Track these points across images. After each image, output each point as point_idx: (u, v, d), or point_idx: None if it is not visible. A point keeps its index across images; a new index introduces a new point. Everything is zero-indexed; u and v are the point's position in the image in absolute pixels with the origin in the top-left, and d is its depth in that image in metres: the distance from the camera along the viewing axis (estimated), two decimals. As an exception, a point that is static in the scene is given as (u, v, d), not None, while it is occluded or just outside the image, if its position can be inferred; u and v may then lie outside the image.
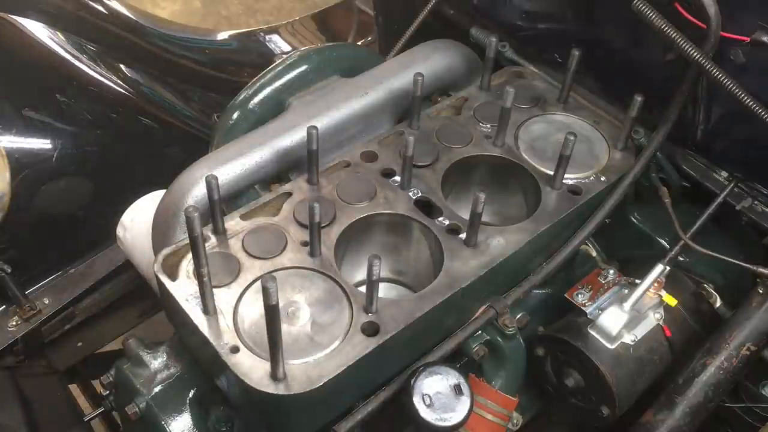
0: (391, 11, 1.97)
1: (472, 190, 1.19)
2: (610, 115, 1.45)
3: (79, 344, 1.95)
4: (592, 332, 1.25)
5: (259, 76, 1.46)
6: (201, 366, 1.23)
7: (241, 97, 1.45)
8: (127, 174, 1.92)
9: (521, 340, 1.31)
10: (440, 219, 1.23)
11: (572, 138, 1.22)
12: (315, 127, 1.20)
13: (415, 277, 1.30)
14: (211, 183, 1.10)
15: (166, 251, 1.14)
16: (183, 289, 1.10)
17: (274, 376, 0.99)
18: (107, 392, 1.36)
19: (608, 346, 1.24)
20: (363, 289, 1.08)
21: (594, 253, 1.47)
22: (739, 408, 1.31)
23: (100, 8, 2.12)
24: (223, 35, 2.50)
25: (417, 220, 1.23)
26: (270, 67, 1.47)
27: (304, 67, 1.47)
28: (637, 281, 1.28)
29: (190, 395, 1.25)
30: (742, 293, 1.27)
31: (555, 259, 1.29)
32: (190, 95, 2.27)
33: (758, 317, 1.22)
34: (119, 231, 1.46)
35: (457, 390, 1.06)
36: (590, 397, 1.28)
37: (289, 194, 1.25)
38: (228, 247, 1.16)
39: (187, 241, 1.07)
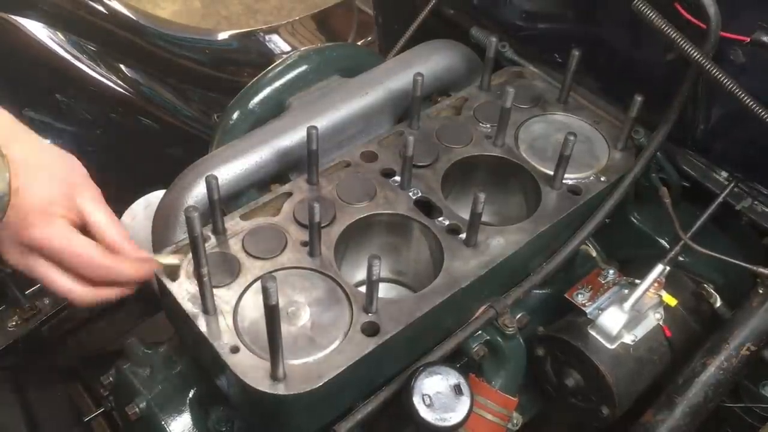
0: (391, 11, 1.97)
1: (472, 190, 1.19)
2: (610, 115, 1.45)
3: (79, 344, 1.95)
4: (592, 332, 1.25)
5: (259, 76, 1.46)
6: (201, 366, 1.23)
7: (241, 97, 1.45)
8: (127, 174, 1.92)
9: (521, 340, 1.31)
10: (440, 219, 1.23)
11: (572, 138, 1.22)
12: (315, 127, 1.20)
13: (415, 277, 1.30)
14: (211, 183, 1.10)
15: (166, 251, 1.14)
16: (183, 289, 1.10)
17: (274, 376, 0.99)
18: (107, 392, 1.36)
19: (608, 346, 1.24)
20: (363, 289, 1.08)
21: (594, 253, 1.47)
22: (739, 408, 1.32)
23: (100, 8, 2.12)
24: (223, 35, 2.50)
25: (417, 220, 1.23)
26: (270, 67, 1.47)
27: (304, 67, 1.47)
28: (637, 281, 1.28)
29: (190, 395, 1.25)
30: (742, 293, 1.27)
31: (555, 259, 1.29)
32: (190, 95, 2.27)
33: (758, 317, 1.22)
34: (119, 231, 1.46)
35: (457, 390, 1.07)
36: (590, 397, 1.28)
37: (289, 194, 1.25)
38: (228, 247, 1.16)
39: (187, 241, 1.07)
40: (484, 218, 1.16)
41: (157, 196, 1.39)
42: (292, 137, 1.34)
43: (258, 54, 2.52)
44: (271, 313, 0.90)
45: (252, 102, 1.44)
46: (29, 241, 0.96)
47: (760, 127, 1.16)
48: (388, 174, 1.30)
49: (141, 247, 1.38)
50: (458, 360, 1.27)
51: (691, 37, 1.19)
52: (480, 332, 1.25)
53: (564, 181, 1.30)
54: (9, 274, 1.72)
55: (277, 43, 2.57)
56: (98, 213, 1.02)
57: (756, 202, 1.33)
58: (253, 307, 1.08)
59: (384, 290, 1.22)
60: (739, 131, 1.33)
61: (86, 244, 0.99)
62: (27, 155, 0.98)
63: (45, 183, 0.98)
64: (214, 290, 1.07)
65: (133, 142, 2.03)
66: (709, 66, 1.18)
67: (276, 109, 1.44)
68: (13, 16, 1.91)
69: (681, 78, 1.29)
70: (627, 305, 1.25)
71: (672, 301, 1.32)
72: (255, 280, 1.11)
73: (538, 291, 1.38)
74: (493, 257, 1.18)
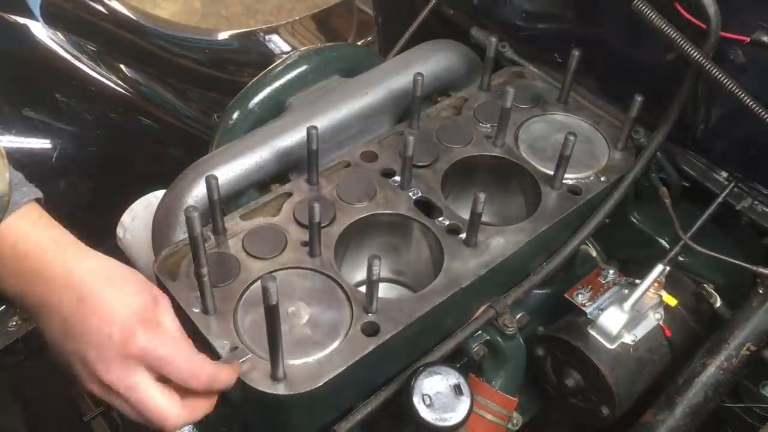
0: (391, 11, 1.97)
1: (472, 190, 1.19)
2: (610, 115, 1.45)
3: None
4: (592, 332, 1.25)
5: (259, 76, 1.46)
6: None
7: (241, 97, 1.45)
8: (127, 174, 1.92)
9: (521, 340, 1.31)
10: (440, 219, 1.23)
11: (572, 138, 1.22)
12: (315, 127, 1.20)
13: (415, 277, 1.30)
14: (211, 183, 1.10)
15: (166, 251, 1.14)
16: (183, 289, 1.10)
17: (274, 376, 0.99)
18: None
19: (608, 346, 1.24)
20: (363, 289, 1.08)
21: (594, 253, 1.47)
22: (739, 408, 1.31)
23: (100, 8, 2.12)
24: (223, 35, 2.51)
25: (417, 220, 1.23)
26: (270, 67, 1.47)
27: (304, 67, 1.47)
28: (637, 281, 1.28)
29: (190, 395, 1.25)
30: (742, 293, 1.27)
31: (555, 259, 1.29)
32: (190, 95, 2.27)
33: (758, 317, 1.21)
34: (119, 231, 1.46)
35: (457, 390, 1.07)
36: (590, 397, 1.28)
37: (289, 194, 1.25)
38: (228, 247, 1.16)
39: (187, 241, 1.07)
40: (484, 218, 1.16)
41: (157, 196, 1.39)
42: (292, 137, 1.34)
43: (258, 54, 2.53)
44: (271, 313, 0.90)
45: (252, 102, 1.44)
46: (135, 349, 0.89)
47: (760, 127, 1.16)
48: (388, 174, 1.30)
49: (141, 247, 1.39)
50: (458, 360, 1.27)
51: (691, 37, 1.19)
52: (480, 332, 1.25)
53: (564, 181, 1.30)
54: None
55: (277, 43, 2.57)
56: (173, 325, 0.97)
57: (756, 202, 1.33)
58: (253, 307, 1.08)
59: (384, 290, 1.22)
60: (739, 131, 1.33)
61: (193, 353, 0.94)
62: (107, 269, 0.94)
63: (137, 295, 0.93)
64: (214, 290, 1.07)
65: (133, 142, 2.02)
66: (709, 66, 1.18)
67: (276, 109, 1.44)
68: (13, 16, 1.91)
69: (681, 78, 1.29)
70: (627, 305, 1.25)
71: (672, 301, 1.32)
72: (255, 280, 1.11)
73: (538, 291, 1.38)
74: (493, 257, 1.18)
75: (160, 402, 0.92)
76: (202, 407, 0.98)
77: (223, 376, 0.96)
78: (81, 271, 0.91)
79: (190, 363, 0.93)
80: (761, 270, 1.24)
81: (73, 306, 0.90)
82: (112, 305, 0.90)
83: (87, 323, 0.89)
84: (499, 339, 1.28)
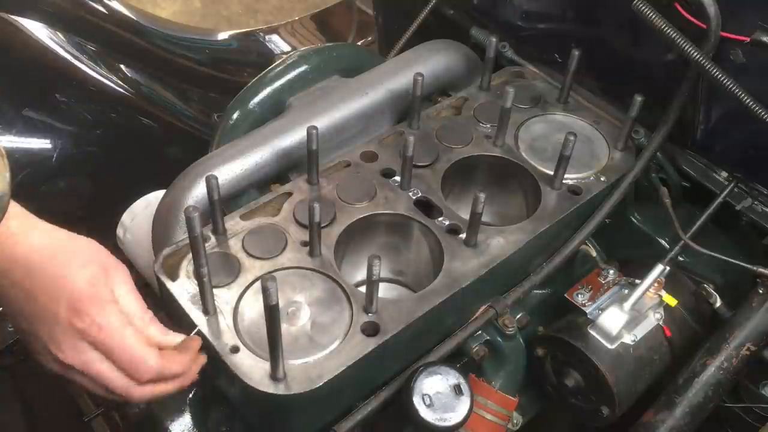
0: (391, 11, 1.97)
1: (472, 190, 1.19)
2: (610, 115, 1.45)
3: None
4: (592, 332, 1.25)
5: (259, 76, 1.46)
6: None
7: (241, 97, 1.45)
8: (127, 174, 1.91)
9: (521, 340, 1.31)
10: (440, 219, 1.23)
11: (572, 138, 1.22)
12: (315, 127, 1.20)
13: (415, 277, 1.30)
14: (211, 183, 1.10)
15: (166, 251, 1.14)
16: (183, 289, 1.10)
17: (274, 376, 0.99)
18: (107, 392, 1.35)
19: (608, 346, 1.25)
20: (363, 289, 1.08)
21: (594, 253, 1.47)
22: (739, 408, 1.32)
23: (100, 8, 2.12)
24: (223, 35, 2.50)
25: (417, 220, 1.23)
26: (270, 67, 1.47)
27: (304, 67, 1.47)
28: (637, 281, 1.28)
29: (190, 395, 1.25)
30: (742, 293, 1.27)
31: (555, 259, 1.29)
32: (190, 95, 2.26)
33: (758, 317, 1.22)
34: (119, 231, 1.46)
35: (457, 390, 1.07)
36: (590, 397, 1.28)
37: (289, 194, 1.25)
38: (228, 247, 1.16)
39: (187, 241, 1.07)
40: (484, 218, 1.16)
41: (157, 196, 1.39)
42: (292, 137, 1.34)
43: (258, 54, 2.52)
44: (271, 313, 0.90)
45: (252, 102, 1.44)
46: (83, 329, 0.88)
47: (760, 127, 1.16)
48: (388, 174, 1.30)
49: (141, 247, 1.39)
50: (458, 360, 1.27)
51: (691, 37, 1.19)
52: (480, 332, 1.26)
53: (564, 181, 1.30)
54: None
55: (277, 43, 2.57)
56: (128, 298, 0.96)
57: (756, 202, 1.33)
58: (253, 307, 1.08)
59: (384, 290, 1.22)
60: (739, 131, 1.33)
61: (138, 344, 0.92)
62: (53, 242, 0.92)
63: (84, 267, 0.91)
64: (214, 290, 1.07)
65: (133, 142, 2.02)
66: (709, 66, 1.18)
67: (276, 109, 1.44)
68: (13, 16, 1.91)
69: (681, 78, 1.29)
70: (627, 305, 1.25)
71: (672, 301, 1.32)
72: (255, 280, 1.11)
73: (538, 291, 1.38)
74: (493, 257, 1.18)
75: (117, 379, 0.92)
76: (166, 386, 0.97)
77: (174, 368, 0.96)
78: (26, 246, 0.90)
79: (130, 353, 0.92)
80: (761, 270, 1.24)
81: (21, 283, 0.89)
82: (57, 281, 0.89)
83: (35, 302, 0.89)
84: (499, 339, 1.28)
